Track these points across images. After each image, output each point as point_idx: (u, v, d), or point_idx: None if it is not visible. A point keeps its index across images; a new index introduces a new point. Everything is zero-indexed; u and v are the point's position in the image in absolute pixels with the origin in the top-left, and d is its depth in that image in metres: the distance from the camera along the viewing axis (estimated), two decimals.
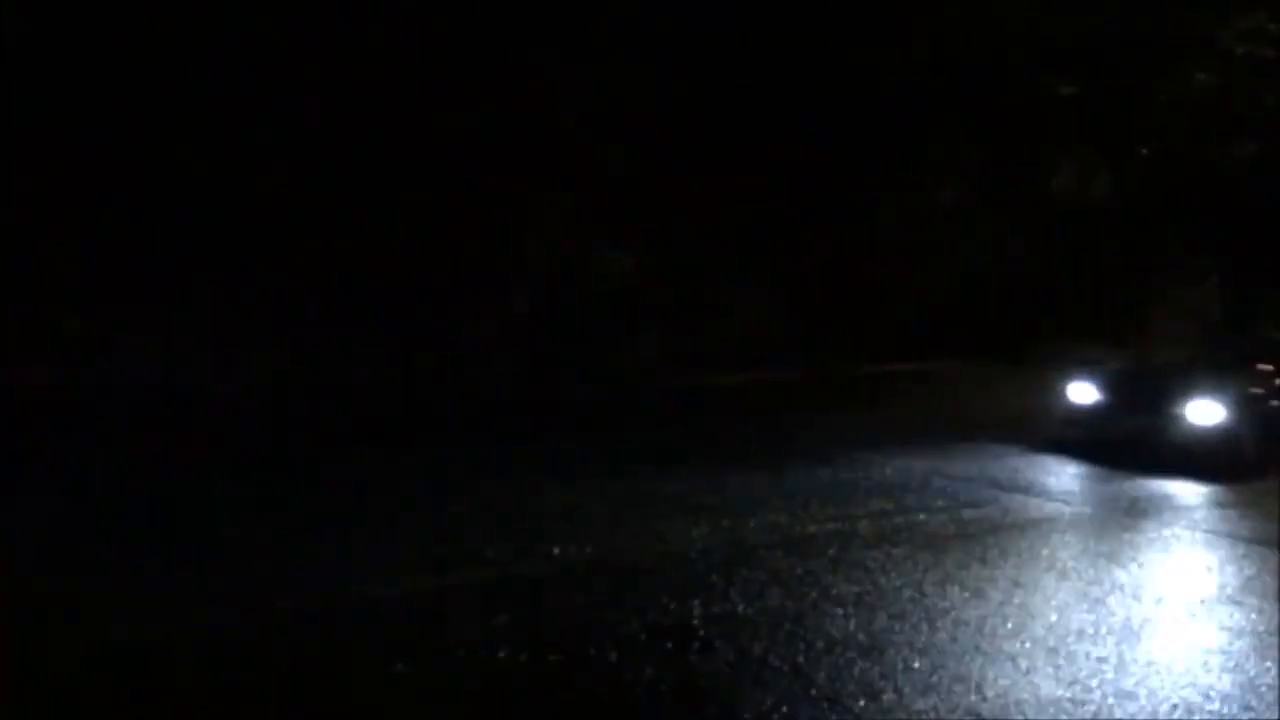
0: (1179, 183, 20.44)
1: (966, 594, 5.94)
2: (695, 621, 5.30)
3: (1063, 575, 6.38)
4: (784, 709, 4.37)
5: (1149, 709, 4.43)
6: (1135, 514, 8.24)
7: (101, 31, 12.81)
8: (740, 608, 5.57)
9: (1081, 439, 10.82)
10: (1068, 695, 4.53)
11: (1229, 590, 6.23)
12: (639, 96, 16.03)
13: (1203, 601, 6.01)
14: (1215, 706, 4.50)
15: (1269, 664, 4.97)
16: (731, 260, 17.56)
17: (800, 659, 4.87)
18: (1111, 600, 5.90)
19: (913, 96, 17.53)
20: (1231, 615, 5.71)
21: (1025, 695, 4.52)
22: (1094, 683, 4.69)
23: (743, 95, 16.41)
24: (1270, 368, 10.92)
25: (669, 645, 4.96)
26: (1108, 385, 11.18)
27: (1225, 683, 4.77)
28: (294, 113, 13.74)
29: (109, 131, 12.95)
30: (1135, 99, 19.81)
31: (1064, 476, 9.70)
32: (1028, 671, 4.79)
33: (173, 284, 13.23)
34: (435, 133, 14.91)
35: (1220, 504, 8.72)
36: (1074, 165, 20.26)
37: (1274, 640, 5.29)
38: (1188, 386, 10.38)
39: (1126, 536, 7.53)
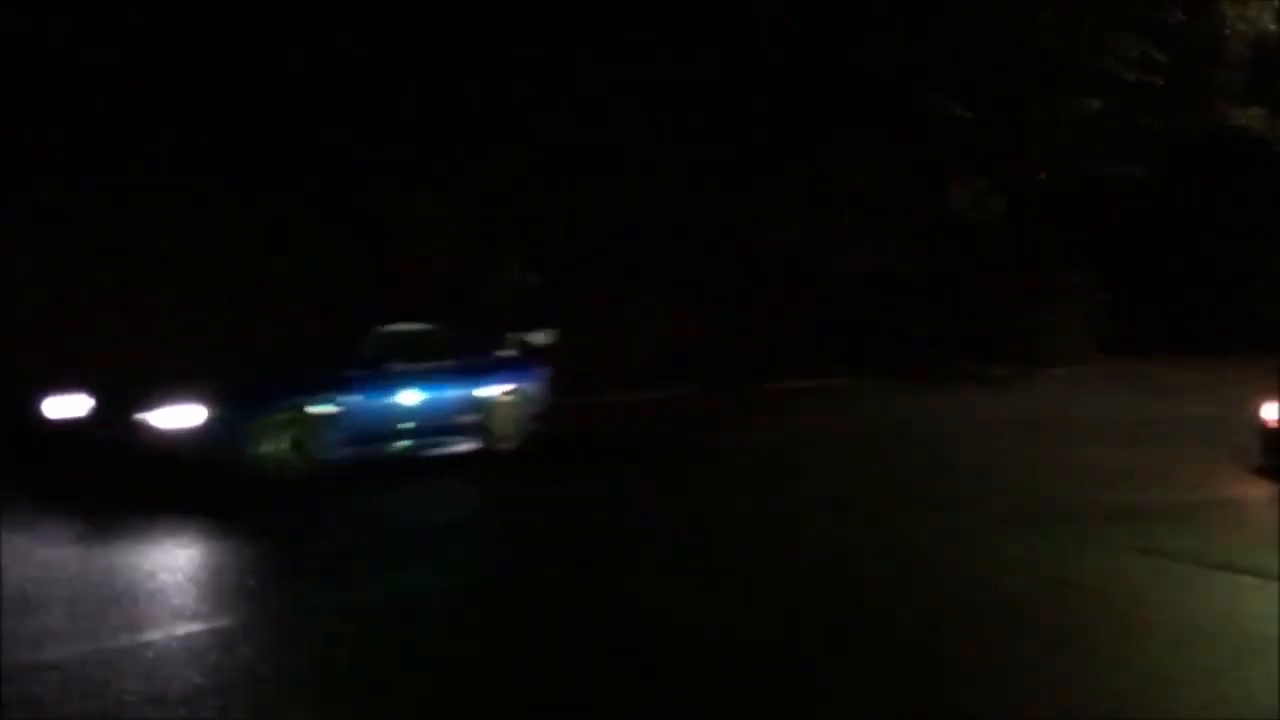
0: (1068, 203, 20.97)
1: None
2: None
3: None
4: None
5: None
6: None
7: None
8: None
9: None
10: None
11: None
12: (537, 106, 15.83)
13: None
14: None
15: None
16: (627, 275, 17.41)
17: None
18: None
19: (805, 111, 17.63)
20: None
21: None
22: None
23: (636, 107, 16.29)
24: None
25: None
26: None
27: None
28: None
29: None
30: (1025, 122, 20.25)
31: None
32: None
33: None
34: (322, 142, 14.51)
35: None
36: (967, 185, 20.61)
37: None
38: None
39: None
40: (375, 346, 9.50)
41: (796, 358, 18.01)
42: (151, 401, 8.27)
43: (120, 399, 8.53)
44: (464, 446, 9.84)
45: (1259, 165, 21.43)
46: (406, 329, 9.96)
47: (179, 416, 8.21)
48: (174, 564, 6.73)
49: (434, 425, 9.59)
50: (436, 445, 9.64)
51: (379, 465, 9.14)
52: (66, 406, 8.83)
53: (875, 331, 18.82)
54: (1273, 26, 20.37)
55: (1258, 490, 9.77)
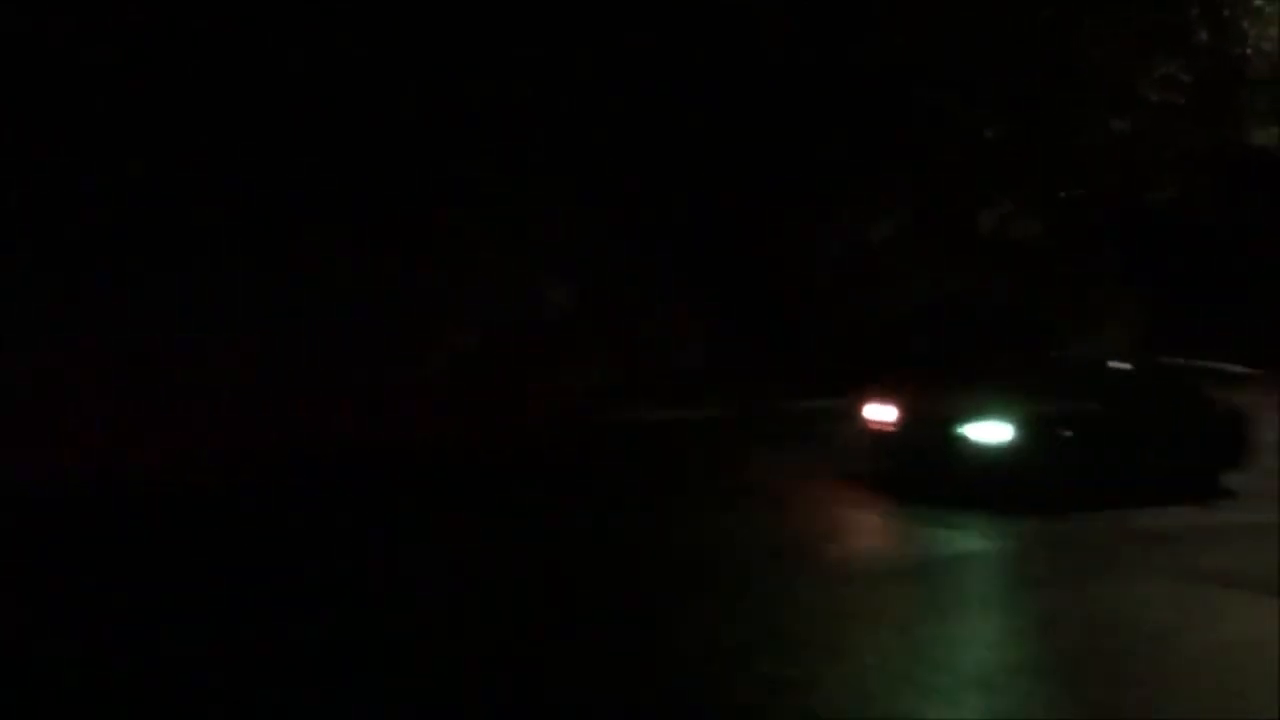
0: (1102, 223, 20.61)
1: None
2: None
3: None
4: None
5: None
6: None
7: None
8: None
9: None
10: None
11: None
12: (577, 129, 15.75)
13: None
14: None
15: None
16: (668, 294, 17.18)
17: None
18: None
19: (846, 133, 17.48)
20: None
21: None
22: None
23: (677, 128, 16.22)
24: None
25: None
26: None
27: None
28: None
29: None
30: (1058, 143, 20.01)
31: None
32: None
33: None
34: (370, 166, 14.40)
35: None
36: (1002, 205, 20.36)
37: None
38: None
39: None
40: None
41: (832, 378, 17.57)
42: None
43: None
44: None
45: None
46: None
47: None
48: None
49: None
50: None
51: None
52: None
53: (915, 351, 18.38)
54: None
55: None
